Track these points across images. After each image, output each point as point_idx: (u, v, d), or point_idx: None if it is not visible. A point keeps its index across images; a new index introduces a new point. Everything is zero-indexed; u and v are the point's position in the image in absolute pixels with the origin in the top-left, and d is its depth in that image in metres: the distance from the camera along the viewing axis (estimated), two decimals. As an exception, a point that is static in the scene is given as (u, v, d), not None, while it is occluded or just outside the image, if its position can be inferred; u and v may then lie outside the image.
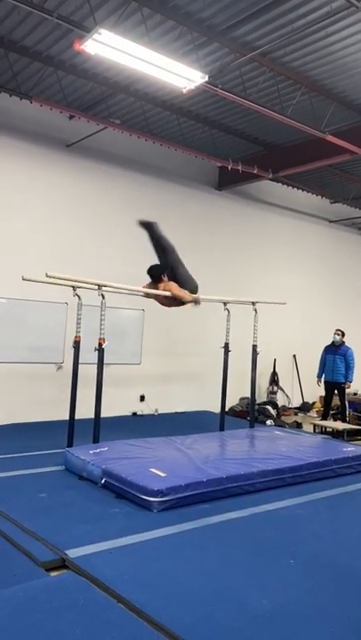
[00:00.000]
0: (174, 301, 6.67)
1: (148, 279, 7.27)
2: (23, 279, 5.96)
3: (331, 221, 13.09)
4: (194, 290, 6.75)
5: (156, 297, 6.75)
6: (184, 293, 6.56)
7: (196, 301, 6.74)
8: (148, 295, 6.83)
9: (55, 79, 7.55)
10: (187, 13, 6.02)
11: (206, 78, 6.00)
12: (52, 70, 7.38)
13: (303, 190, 11.84)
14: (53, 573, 3.42)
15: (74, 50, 5.77)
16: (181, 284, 6.61)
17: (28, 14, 6.13)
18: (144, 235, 9.30)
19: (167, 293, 6.56)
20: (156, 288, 6.64)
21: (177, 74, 5.90)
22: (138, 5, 5.82)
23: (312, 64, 6.94)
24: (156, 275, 6.65)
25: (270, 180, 10.23)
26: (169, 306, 6.80)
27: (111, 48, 5.40)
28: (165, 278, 6.63)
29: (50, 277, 5.82)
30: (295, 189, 11.86)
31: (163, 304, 6.82)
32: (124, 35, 5.37)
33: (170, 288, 6.55)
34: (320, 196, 12.16)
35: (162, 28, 6.24)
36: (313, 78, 7.30)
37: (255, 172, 9.51)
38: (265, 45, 6.40)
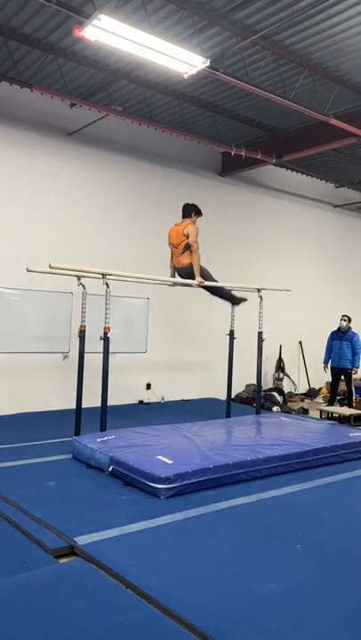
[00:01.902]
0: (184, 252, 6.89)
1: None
2: (28, 270, 5.97)
3: (336, 206, 13.00)
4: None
5: (176, 237, 6.97)
6: (195, 243, 6.79)
7: (201, 282, 6.91)
8: (170, 239, 7.05)
9: (55, 67, 7.49)
10: (187, -3, 5.94)
11: (208, 63, 5.92)
12: (52, 58, 7.31)
13: (307, 175, 11.75)
14: (62, 560, 3.47)
15: (73, 36, 5.72)
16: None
17: (27, 1, 6.07)
18: (147, 223, 9.32)
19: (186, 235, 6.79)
20: (180, 227, 6.91)
21: (178, 59, 5.83)
22: (137, -10, 5.76)
23: (314, 46, 6.84)
24: (188, 211, 7.06)
25: (274, 165, 10.16)
26: (179, 255, 6.96)
27: (111, 34, 5.34)
28: (194, 218, 6.99)
29: (54, 268, 5.82)
30: (299, 174, 11.77)
31: (174, 245, 7.01)
32: (123, 20, 5.31)
33: (190, 231, 6.81)
34: (324, 181, 12.07)
35: (162, 12, 6.16)
36: (316, 61, 7.21)
37: (259, 157, 9.43)
38: (266, 28, 6.31)
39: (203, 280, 6.89)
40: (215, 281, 7.18)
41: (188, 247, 6.81)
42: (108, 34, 5.34)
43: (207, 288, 7.20)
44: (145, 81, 8.00)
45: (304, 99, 7.59)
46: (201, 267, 6.90)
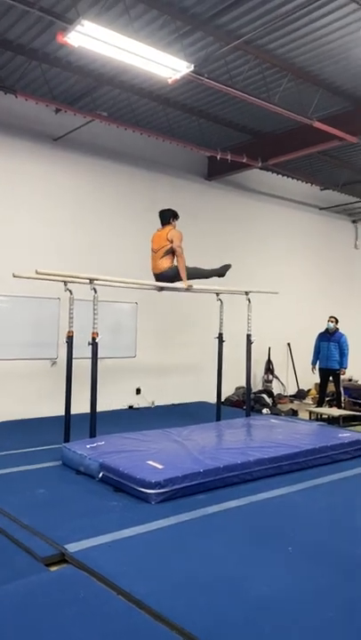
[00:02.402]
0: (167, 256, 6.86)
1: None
2: (14, 276, 5.94)
3: (321, 208, 13.09)
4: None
5: (158, 242, 6.94)
6: (180, 247, 6.79)
7: (189, 286, 6.94)
8: (153, 246, 7.01)
9: (39, 72, 7.48)
10: (170, 2, 5.96)
11: (192, 68, 5.95)
12: (36, 64, 7.30)
13: (293, 178, 11.82)
14: (53, 568, 3.44)
15: (57, 42, 5.71)
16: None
17: (10, 7, 6.05)
18: (135, 227, 9.30)
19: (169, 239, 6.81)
20: (163, 232, 6.90)
21: (162, 64, 5.85)
22: (120, -5, 5.77)
23: (297, 51, 6.89)
24: (166, 217, 7.03)
25: (260, 168, 10.21)
26: (157, 260, 6.93)
27: (95, 39, 5.34)
28: (174, 223, 6.98)
29: (40, 274, 5.79)
30: (285, 177, 11.84)
31: (154, 250, 6.98)
32: (107, 25, 5.31)
33: (173, 236, 6.81)
34: (310, 184, 12.15)
35: (145, 17, 6.18)
36: (299, 65, 7.26)
37: (244, 160, 9.47)
38: (249, 33, 6.35)
39: (191, 284, 6.90)
40: (202, 270, 7.22)
41: (168, 252, 6.80)
42: (91, 39, 5.35)
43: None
44: (130, 86, 8.01)
45: (288, 102, 7.64)
46: (187, 267, 6.90)
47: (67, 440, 6.18)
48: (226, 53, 6.76)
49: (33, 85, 7.90)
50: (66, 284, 6.28)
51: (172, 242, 6.75)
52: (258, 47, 6.82)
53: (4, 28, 6.57)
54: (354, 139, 8.30)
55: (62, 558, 3.54)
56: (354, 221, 14.15)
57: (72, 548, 3.61)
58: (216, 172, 10.60)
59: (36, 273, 5.75)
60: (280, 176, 11.74)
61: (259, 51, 6.88)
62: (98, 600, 2.99)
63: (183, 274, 6.79)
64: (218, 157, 9.31)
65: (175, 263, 6.85)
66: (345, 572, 3.39)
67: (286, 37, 6.59)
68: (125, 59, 5.77)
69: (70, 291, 6.31)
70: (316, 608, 2.94)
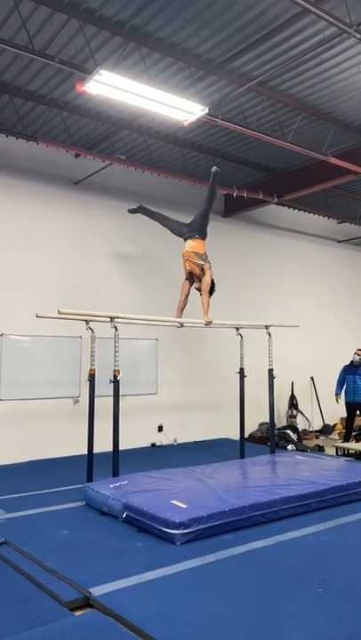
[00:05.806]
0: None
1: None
2: (37, 316, 6.03)
3: (339, 241, 13.11)
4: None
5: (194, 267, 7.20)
6: (207, 285, 7.06)
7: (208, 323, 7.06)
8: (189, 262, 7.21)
9: (60, 120, 7.76)
10: (184, 49, 6.18)
11: (206, 110, 6.13)
12: (56, 112, 7.59)
13: (310, 212, 11.91)
14: (78, 613, 3.37)
15: (76, 91, 5.95)
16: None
17: (31, 61, 6.35)
18: (152, 266, 9.40)
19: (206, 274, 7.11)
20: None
21: (178, 107, 6.04)
22: (136, 45, 6.00)
23: (309, 90, 7.06)
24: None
25: (276, 204, 10.32)
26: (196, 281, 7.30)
27: (112, 87, 5.55)
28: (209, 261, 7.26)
29: (62, 314, 5.88)
30: (302, 212, 11.93)
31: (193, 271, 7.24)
32: (123, 74, 5.53)
33: (208, 272, 7.11)
34: (327, 217, 12.22)
35: (160, 64, 6.41)
36: (311, 103, 7.42)
37: (260, 197, 9.61)
38: (262, 75, 6.53)
39: (211, 320, 6.93)
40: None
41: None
42: (109, 87, 5.55)
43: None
44: (146, 130, 8.25)
45: (302, 139, 7.78)
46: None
47: (90, 479, 6.14)
48: (239, 95, 6.94)
49: (53, 132, 8.19)
50: (87, 323, 6.34)
51: (203, 273, 7.03)
52: (270, 88, 7.00)
53: (25, 81, 6.87)
54: (369, 172, 8.38)
55: (87, 602, 3.48)
56: (374, 253, 14.14)
57: (96, 591, 3.54)
58: (233, 208, 10.74)
59: (59, 313, 5.84)
60: (297, 211, 11.85)
61: (271, 91, 7.06)
62: (123, 646, 2.91)
63: (206, 309, 6.87)
64: (234, 195, 9.45)
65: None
66: (379, 616, 3.25)
67: (298, 78, 6.76)
68: (142, 104, 5.97)
69: (92, 329, 6.38)
70: (351, 654, 2.82)
